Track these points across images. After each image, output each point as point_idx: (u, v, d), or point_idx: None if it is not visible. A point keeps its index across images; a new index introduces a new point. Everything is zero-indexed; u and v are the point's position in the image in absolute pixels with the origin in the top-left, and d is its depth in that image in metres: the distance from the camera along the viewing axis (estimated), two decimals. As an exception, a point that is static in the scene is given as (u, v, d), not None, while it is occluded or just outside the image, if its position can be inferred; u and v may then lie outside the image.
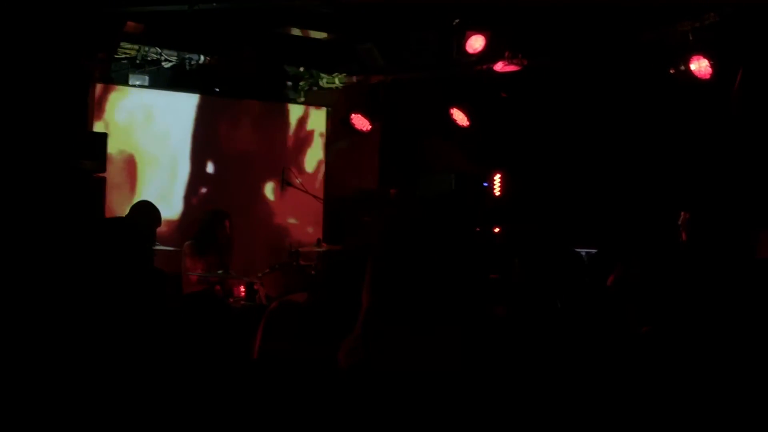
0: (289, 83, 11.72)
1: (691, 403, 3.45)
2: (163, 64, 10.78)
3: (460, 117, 11.24)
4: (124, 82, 10.59)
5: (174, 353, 2.91)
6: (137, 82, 10.68)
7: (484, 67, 10.07)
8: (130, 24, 9.72)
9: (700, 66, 8.82)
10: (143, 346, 2.85)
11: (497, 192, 11.67)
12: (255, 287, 9.19)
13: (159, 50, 10.65)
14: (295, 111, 11.88)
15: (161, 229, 9.88)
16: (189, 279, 9.16)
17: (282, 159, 11.46)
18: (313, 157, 11.90)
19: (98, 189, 8.94)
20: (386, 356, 2.36)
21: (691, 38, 8.83)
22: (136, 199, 10.10)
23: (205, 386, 2.90)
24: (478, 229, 10.06)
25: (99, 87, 10.29)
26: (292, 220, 11.64)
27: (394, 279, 2.44)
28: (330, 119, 11.95)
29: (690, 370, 3.51)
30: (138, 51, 10.49)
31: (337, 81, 11.67)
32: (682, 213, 7.09)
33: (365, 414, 2.33)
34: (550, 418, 2.75)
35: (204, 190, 11.11)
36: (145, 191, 10.48)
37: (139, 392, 2.76)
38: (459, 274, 2.46)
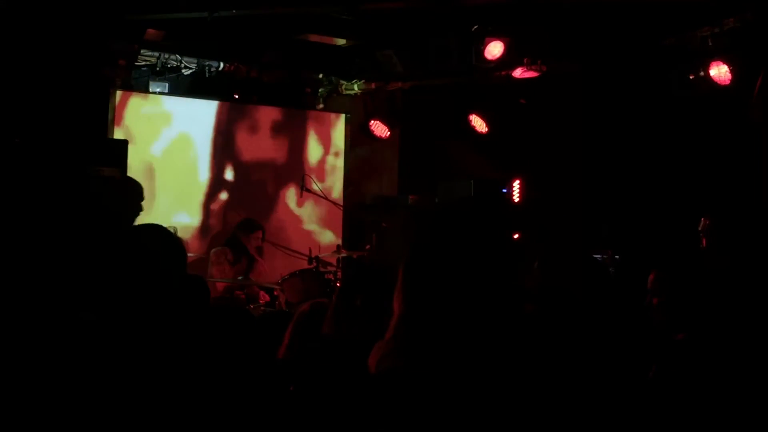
0: (309, 90, 11.74)
1: (722, 411, 3.44)
2: (182, 71, 10.82)
3: (479, 123, 11.26)
4: (144, 89, 10.64)
5: (197, 360, 2.91)
6: (157, 89, 10.73)
7: (503, 73, 10.08)
8: (151, 31, 9.77)
9: (719, 72, 8.80)
10: (166, 353, 2.86)
11: (516, 198, 11.66)
12: (275, 293, 9.23)
13: (179, 57, 10.70)
14: (314, 117, 11.91)
15: (180, 235, 9.93)
16: (213, 286, 9.21)
17: (301, 165, 11.49)
18: (332, 163, 11.92)
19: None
20: (419, 363, 2.36)
21: (710, 44, 8.81)
22: (155, 207, 10.15)
23: (228, 391, 2.91)
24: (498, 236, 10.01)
25: (119, 94, 10.33)
26: (311, 227, 11.67)
27: (426, 286, 2.44)
28: (349, 126, 11.97)
29: (726, 379, 3.50)
30: (158, 58, 10.54)
31: (356, 87, 11.70)
32: (703, 219, 7.07)
33: (395, 421, 2.33)
34: (584, 423, 2.75)
35: (223, 196, 11.15)
36: (164, 198, 10.52)
37: (160, 399, 2.77)
38: (491, 279, 2.46)
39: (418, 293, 2.40)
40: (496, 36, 9.48)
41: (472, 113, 11.24)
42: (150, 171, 10.50)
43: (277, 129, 11.53)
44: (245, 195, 11.15)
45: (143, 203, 8.06)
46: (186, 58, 10.76)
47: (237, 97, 11.27)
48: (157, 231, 3.15)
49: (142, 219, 7.87)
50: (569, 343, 3.37)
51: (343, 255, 9.78)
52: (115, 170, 8.95)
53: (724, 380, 3.55)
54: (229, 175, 11.21)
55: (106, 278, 2.88)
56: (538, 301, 3.84)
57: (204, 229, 10.87)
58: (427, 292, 2.38)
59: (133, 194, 8.02)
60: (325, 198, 11.05)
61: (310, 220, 11.66)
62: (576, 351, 3.31)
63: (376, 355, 2.41)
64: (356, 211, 11.61)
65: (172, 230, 3.20)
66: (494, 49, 9.52)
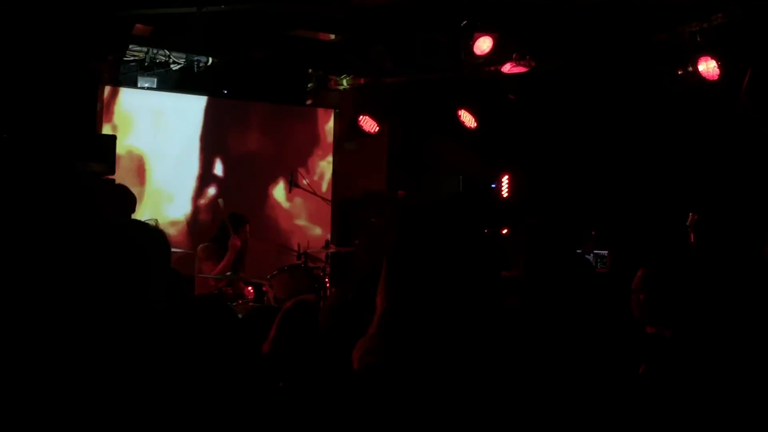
0: (297, 85, 11.73)
1: (709, 407, 3.44)
2: (171, 66, 10.79)
3: (468, 118, 11.25)
4: (133, 85, 10.61)
5: (179, 357, 2.91)
6: (145, 84, 10.71)
7: (492, 68, 10.06)
8: (139, 26, 9.74)
9: (707, 67, 8.81)
10: (150, 350, 2.86)
11: (505, 193, 11.68)
12: (263, 289, 9.21)
13: (167, 52, 10.66)
14: (303, 113, 11.89)
15: (170, 230, 9.92)
16: (200, 281, 9.19)
17: (290, 161, 11.48)
18: (321, 158, 11.91)
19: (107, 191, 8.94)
20: (401, 358, 2.37)
21: (698, 39, 8.82)
22: (144, 202, 10.12)
23: (212, 388, 2.91)
24: (486, 231, 10.08)
25: (107, 89, 10.32)
26: (300, 222, 11.66)
27: (408, 281, 2.44)
28: (338, 121, 11.97)
29: (712, 376, 3.51)
30: (146, 53, 10.51)
31: (345, 83, 11.68)
32: (691, 214, 7.08)
33: (379, 416, 2.34)
34: (565, 420, 2.75)
35: (212, 191, 11.13)
36: (153, 193, 10.50)
37: (144, 396, 2.77)
38: (474, 276, 2.46)
39: (400, 289, 2.40)
40: (485, 31, 9.46)
41: (461, 109, 11.22)
42: (138, 166, 10.48)
43: (265, 124, 11.51)
44: (234, 190, 11.12)
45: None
46: (174, 53, 10.74)
47: (226, 92, 11.25)
48: (140, 227, 3.15)
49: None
50: (553, 339, 3.38)
51: (332, 250, 9.77)
52: (104, 165, 8.94)
53: (712, 376, 3.55)
54: (218, 170, 11.20)
55: (88, 273, 2.87)
56: (524, 296, 3.86)
57: (193, 224, 10.85)
58: (410, 288, 2.38)
59: (126, 201, 8.08)
60: (314, 193, 11.04)
61: (299, 215, 11.65)
62: (559, 347, 3.31)
63: (360, 350, 2.42)
64: (345, 207, 11.61)
65: (152, 223, 3.20)
66: (483, 45, 9.50)
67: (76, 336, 2.77)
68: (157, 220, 9.49)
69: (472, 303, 2.40)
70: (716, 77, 8.78)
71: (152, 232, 3.12)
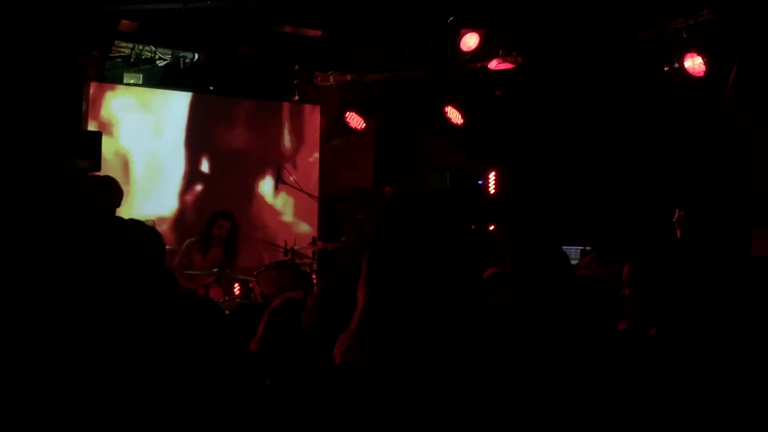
0: (283, 81, 11.70)
1: (695, 404, 3.45)
2: (157, 62, 10.77)
3: (454, 115, 11.25)
4: (119, 81, 10.58)
5: (170, 355, 2.90)
6: (131, 81, 10.68)
7: (479, 65, 10.07)
8: (125, 22, 9.71)
9: (693, 63, 8.83)
10: (144, 347, 2.85)
11: (492, 190, 11.68)
12: (250, 285, 9.20)
13: (153, 48, 10.64)
14: (289, 109, 11.87)
15: (157, 227, 9.89)
16: (186, 278, 9.17)
17: (277, 157, 11.46)
18: (308, 155, 11.89)
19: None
20: (382, 354, 2.36)
21: (684, 35, 8.84)
22: (130, 199, 10.08)
23: (202, 387, 2.90)
24: (473, 227, 10.05)
25: (93, 85, 10.27)
26: (286, 218, 11.64)
27: (389, 278, 2.43)
28: (324, 117, 11.94)
29: (698, 373, 3.51)
30: (132, 49, 10.48)
31: (331, 79, 11.66)
32: (677, 210, 7.11)
33: (359, 412, 2.33)
34: (550, 419, 2.75)
35: (198, 188, 11.10)
36: (140, 190, 10.47)
37: (137, 395, 2.76)
38: (456, 272, 2.46)
39: (381, 285, 2.40)
40: (472, 27, 9.47)
41: (447, 105, 11.22)
42: (124, 163, 10.45)
43: (252, 121, 11.49)
44: (221, 187, 11.10)
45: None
46: (160, 50, 10.71)
47: (212, 88, 11.22)
48: (135, 226, 3.14)
49: (117, 211, 7.83)
50: (535, 334, 3.38)
51: (319, 247, 9.76)
52: (90, 162, 8.90)
53: (700, 372, 3.56)
54: (204, 167, 11.17)
55: (81, 271, 2.86)
56: (510, 292, 3.86)
57: (179, 221, 10.82)
58: (390, 284, 2.38)
59: (110, 191, 8.03)
60: (301, 190, 11.01)
61: (286, 211, 11.63)
62: (542, 345, 3.31)
63: (341, 346, 2.41)
64: (332, 203, 11.60)
65: (150, 223, 3.19)
66: (470, 41, 9.51)
67: (68, 334, 2.76)
68: (154, 220, 9.49)
69: (453, 299, 2.40)
70: (702, 74, 8.80)
71: (146, 231, 3.12)
